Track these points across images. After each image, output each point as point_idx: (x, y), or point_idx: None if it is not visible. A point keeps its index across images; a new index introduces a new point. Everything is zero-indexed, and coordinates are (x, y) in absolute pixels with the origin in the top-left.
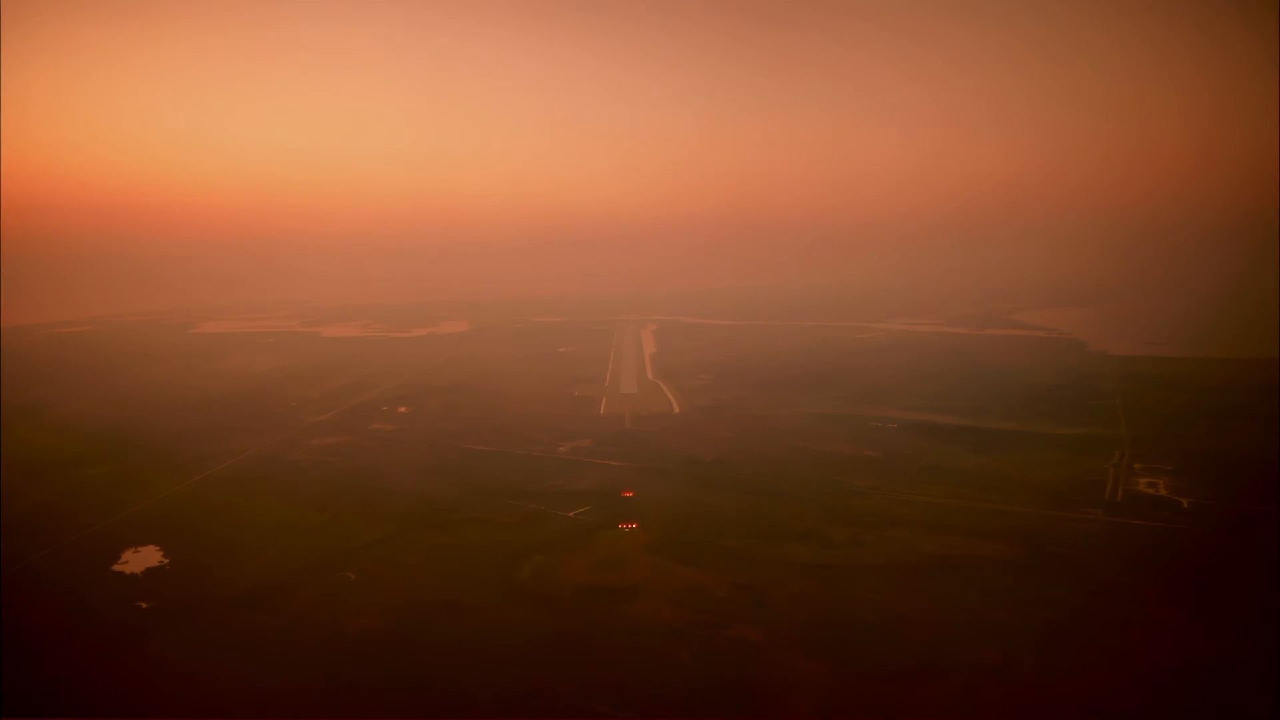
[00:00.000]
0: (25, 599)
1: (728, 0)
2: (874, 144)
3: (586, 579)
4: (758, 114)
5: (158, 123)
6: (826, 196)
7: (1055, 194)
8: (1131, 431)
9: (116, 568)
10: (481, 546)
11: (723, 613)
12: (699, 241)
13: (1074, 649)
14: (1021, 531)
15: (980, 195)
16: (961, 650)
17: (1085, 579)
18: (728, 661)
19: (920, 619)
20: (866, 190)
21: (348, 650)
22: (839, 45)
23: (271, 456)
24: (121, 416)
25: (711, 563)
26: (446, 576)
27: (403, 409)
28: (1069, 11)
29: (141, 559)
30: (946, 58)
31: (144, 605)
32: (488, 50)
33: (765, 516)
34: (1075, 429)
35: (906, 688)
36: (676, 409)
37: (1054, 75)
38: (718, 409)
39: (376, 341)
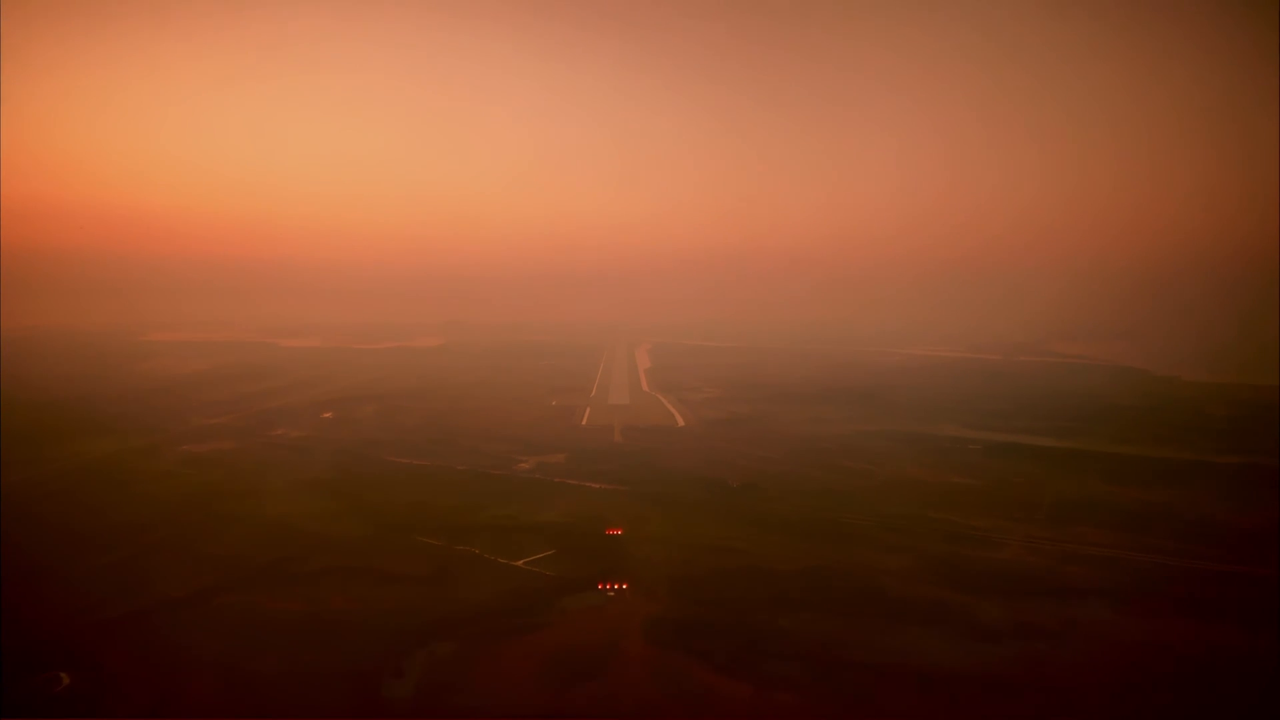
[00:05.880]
0: None
1: (738, 35)
2: (879, 180)
3: (530, 697)
4: (761, 152)
5: (162, 138)
6: (829, 235)
7: (1059, 235)
8: None
9: None
10: (347, 621)
11: None
12: (697, 277)
13: None
14: None
15: (985, 236)
16: None
17: None
18: None
19: None
20: (872, 230)
21: None
22: (853, 75)
23: (113, 464)
24: None
25: (774, 667)
26: (259, 685)
27: (327, 414)
28: (1080, 50)
29: None
30: (959, 91)
31: None
32: (486, 74)
33: (845, 575)
34: (1224, 457)
35: None
36: (681, 422)
37: (1064, 120)
38: (735, 423)
39: (334, 351)
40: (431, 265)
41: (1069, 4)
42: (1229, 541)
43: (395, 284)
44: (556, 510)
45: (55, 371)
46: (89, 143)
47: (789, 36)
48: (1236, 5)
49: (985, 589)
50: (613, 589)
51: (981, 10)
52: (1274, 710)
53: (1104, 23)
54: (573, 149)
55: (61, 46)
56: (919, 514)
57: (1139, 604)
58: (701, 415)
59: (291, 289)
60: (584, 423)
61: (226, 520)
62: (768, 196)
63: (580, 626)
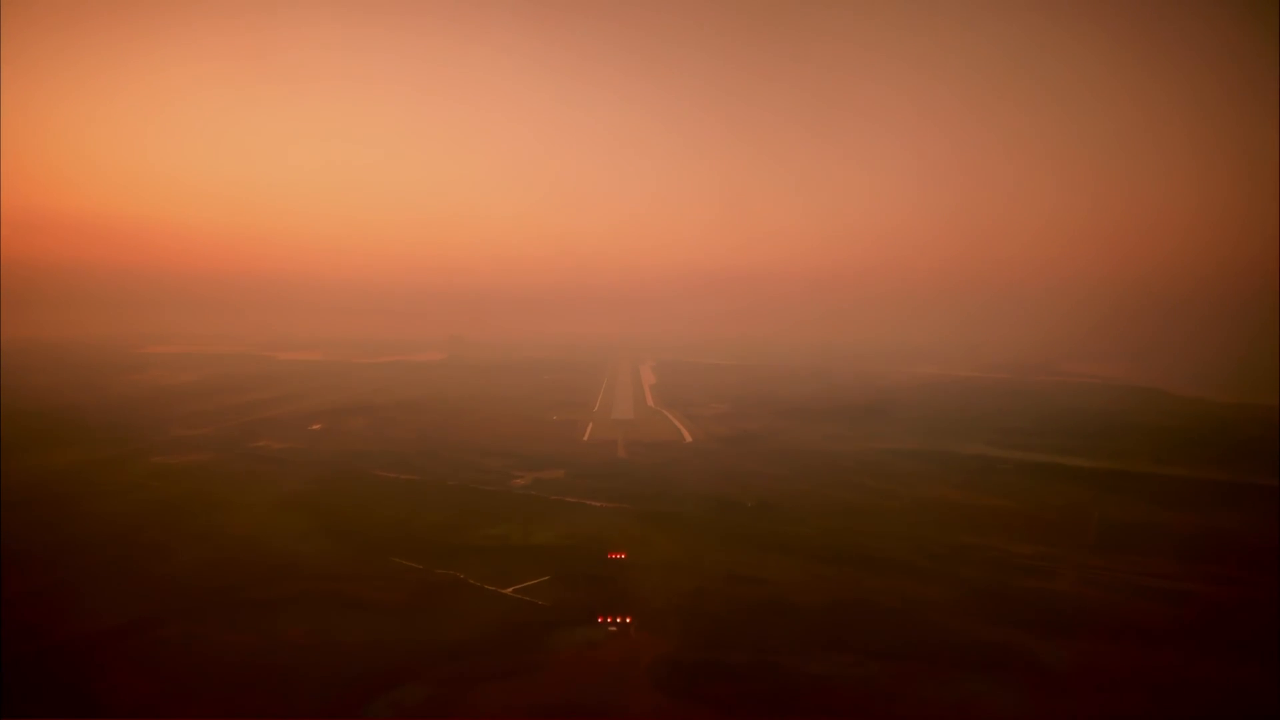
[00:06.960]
0: None
1: (758, 51)
2: (889, 199)
3: None
4: (770, 171)
5: (163, 150)
6: (838, 254)
7: (1070, 254)
8: None
9: None
10: (302, 658)
11: None
12: (704, 294)
13: None
14: None
15: (994, 255)
16: None
17: None
18: None
19: None
20: (881, 249)
21: None
22: (867, 97)
23: (74, 477)
24: None
25: None
26: None
27: (315, 426)
28: (1097, 67)
29: None
30: (970, 108)
31: None
32: (492, 89)
33: (882, 609)
34: (1267, 479)
35: None
36: (688, 438)
37: (1077, 135)
38: (745, 439)
39: (332, 364)
40: (435, 281)
41: (1089, 22)
42: None
43: (399, 299)
44: (553, 531)
45: (42, 382)
46: (89, 154)
47: (809, 54)
48: (1248, 16)
49: (1045, 626)
50: (614, 623)
51: (999, 27)
52: None
53: (1120, 39)
54: (580, 166)
55: (58, 58)
56: (955, 539)
57: (1220, 646)
58: (710, 431)
59: (293, 304)
60: (586, 438)
61: (185, 538)
62: (777, 215)
63: (576, 668)
